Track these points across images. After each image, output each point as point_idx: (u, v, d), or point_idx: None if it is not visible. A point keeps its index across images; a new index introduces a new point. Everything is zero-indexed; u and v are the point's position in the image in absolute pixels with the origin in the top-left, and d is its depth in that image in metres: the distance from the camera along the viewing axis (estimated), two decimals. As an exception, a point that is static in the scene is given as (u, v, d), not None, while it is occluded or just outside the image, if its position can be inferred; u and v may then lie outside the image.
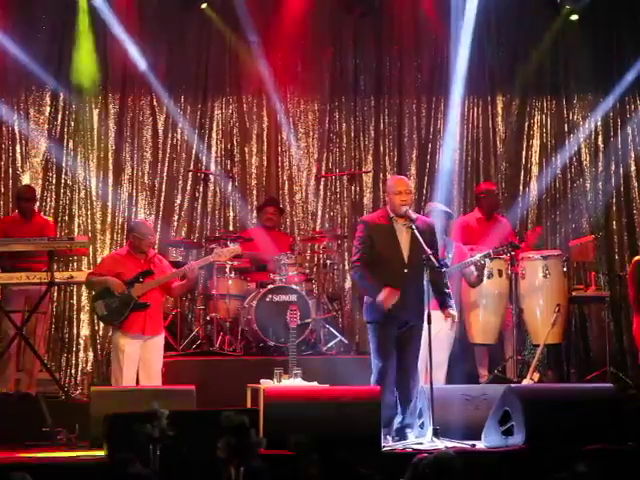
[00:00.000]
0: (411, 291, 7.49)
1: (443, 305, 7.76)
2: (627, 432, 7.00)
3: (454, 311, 7.80)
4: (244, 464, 4.38)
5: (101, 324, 10.26)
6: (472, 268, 9.02)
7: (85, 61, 10.90)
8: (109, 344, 9.51)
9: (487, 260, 9.02)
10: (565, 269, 9.86)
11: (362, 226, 7.80)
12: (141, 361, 8.48)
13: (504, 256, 9.23)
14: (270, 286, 9.73)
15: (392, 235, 7.63)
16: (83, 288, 10.35)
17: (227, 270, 9.93)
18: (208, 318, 9.96)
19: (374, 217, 7.92)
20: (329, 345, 9.99)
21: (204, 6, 11.06)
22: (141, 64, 10.86)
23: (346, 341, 10.16)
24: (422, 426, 7.60)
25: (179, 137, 11.22)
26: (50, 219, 10.30)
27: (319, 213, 11.33)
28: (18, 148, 10.94)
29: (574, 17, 11.33)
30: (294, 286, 9.75)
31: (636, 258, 9.92)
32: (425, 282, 7.40)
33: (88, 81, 10.95)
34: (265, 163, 11.37)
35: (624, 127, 11.50)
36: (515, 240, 9.88)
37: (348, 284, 11.14)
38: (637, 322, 9.60)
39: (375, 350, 7.61)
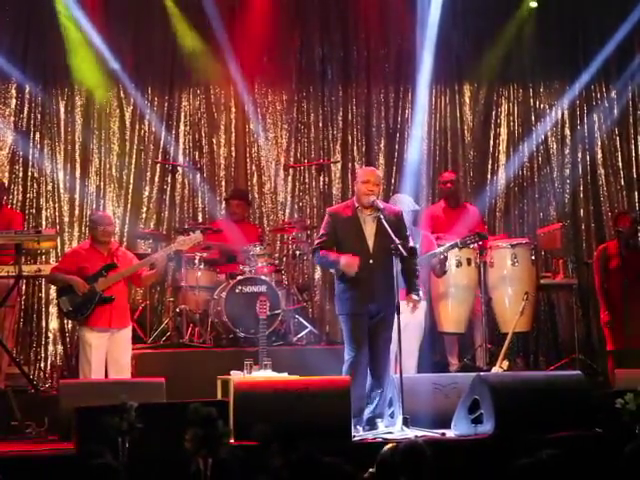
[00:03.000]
0: (380, 281, 7.46)
1: (409, 290, 7.72)
2: (595, 419, 7.02)
3: (417, 296, 7.73)
4: (212, 456, 4.39)
5: (69, 317, 10.21)
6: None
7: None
8: (78, 337, 9.45)
9: (455, 250, 9.05)
10: (533, 257, 9.88)
11: (328, 218, 7.77)
12: (109, 355, 8.42)
13: (472, 246, 9.26)
14: (239, 277, 9.68)
15: (357, 226, 7.58)
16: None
17: (196, 262, 9.87)
18: (177, 310, 9.90)
19: (340, 208, 7.88)
20: (299, 336, 9.97)
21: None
22: (112, 62, 10.80)
23: (316, 331, 10.14)
24: (392, 415, 7.59)
25: (146, 129, 11.19)
26: (18, 212, 10.25)
27: (288, 203, 11.32)
28: (-16, 142, 10.89)
29: (533, 4, 11.41)
30: (263, 277, 9.71)
31: (600, 247, 10.02)
32: (395, 271, 7.39)
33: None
34: (233, 154, 11.35)
35: (590, 114, 11.56)
36: (483, 229, 9.93)
37: (318, 274, 11.15)
38: (603, 309, 9.71)
39: (347, 341, 7.59)
